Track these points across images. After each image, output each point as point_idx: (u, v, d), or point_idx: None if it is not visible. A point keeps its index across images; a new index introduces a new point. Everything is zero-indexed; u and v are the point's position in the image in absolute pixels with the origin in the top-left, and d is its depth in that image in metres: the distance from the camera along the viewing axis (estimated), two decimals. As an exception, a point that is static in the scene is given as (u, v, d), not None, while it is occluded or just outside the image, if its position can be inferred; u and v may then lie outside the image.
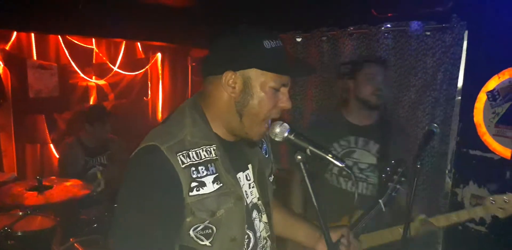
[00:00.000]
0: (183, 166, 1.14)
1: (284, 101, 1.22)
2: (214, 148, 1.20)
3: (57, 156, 4.11)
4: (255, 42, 1.17)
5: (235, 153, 1.27)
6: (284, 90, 1.22)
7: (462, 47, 2.86)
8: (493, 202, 1.91)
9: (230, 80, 1.18)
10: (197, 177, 1.16)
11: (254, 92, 1.18)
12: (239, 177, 1.28)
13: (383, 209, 1.71)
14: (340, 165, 1.17)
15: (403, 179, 1.80)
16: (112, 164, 3.60)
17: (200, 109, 1.24)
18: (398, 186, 1.82)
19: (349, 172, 1.23)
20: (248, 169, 1.33)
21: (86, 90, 4.79)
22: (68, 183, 2.93)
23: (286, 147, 3.57)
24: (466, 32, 2.83)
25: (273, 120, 1.24)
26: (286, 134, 1.20)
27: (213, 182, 1.18)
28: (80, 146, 3.50)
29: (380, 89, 2.25)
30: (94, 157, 3.56)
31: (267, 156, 1.46)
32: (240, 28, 1.22)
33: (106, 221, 2.93)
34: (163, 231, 1.13)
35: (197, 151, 1.18)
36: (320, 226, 1.24)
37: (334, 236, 1.42)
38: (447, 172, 3.00)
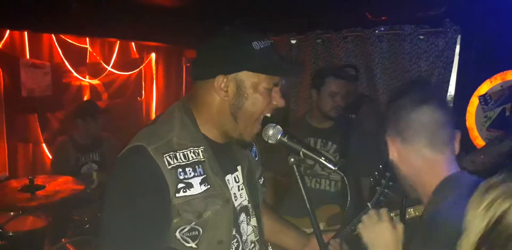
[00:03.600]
0: (170, 167, 1.13)
1: (277, 100, 1.23)
2: (202, 149, 1.20)
3: (50, 156, 4.08)
4: (244, 45, 1.17)
5: (224, 155, 1.27)
6: (276, 89, 1.23)
7: (454, 51, 2.89)
8: None
9: (222, 84, 1.17)
10: (184, 178, 1.15)
11: (248, 94, 1.18)
12: (228, 179, 1.27)
13: (370, 208, 1.73)
14: (333, 167, 1.19)
15: (391, 183, 1.82)
16: (105, 162, 3.59)
17: (190, 111, 1.24)
18: (386, 190, 1.83)
19: (342, 174, 1.23)
20: (237, 170, 1.32)
21: (80, 89, 4.76)
22: (60, 179, 2.90)
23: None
24: (459, 36, 2.86)
25: (267, 122, 1.25)
26: (279, 136, 1.21)
27: (200, 184, 1.17)
28: (72, 143, 3.48)
29: (339, 107, 2.37)
30: (86, 153, 3.54)
31: (256, 159, 1.46)
32: (228, 31, 1.22)
33: (98, 221, 2.92)
34: (152, 232, 1.12)
35: (185, 153, 1.18)
36: (312, 226, 1.25)
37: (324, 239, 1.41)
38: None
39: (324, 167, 2.24)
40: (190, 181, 1.16)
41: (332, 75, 2.40)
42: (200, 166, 1.19)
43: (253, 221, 1.36)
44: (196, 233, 1.17)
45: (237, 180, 1.31)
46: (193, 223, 1.16)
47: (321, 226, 2.23)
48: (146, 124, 1.28)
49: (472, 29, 2.80)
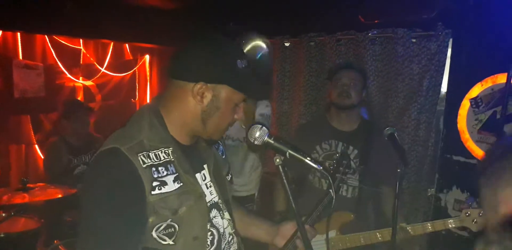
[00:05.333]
0: (144, 165, 1.17)
1: (239, 114, 1.33)
2: (171, 150, 1.25)
3: (42, 157, 4.07)
4: (230, 61, 1.23)
5: (190, 155, 1.32)
6: (241, 104, 1.32)
7: (446, 54, 2.92)
8: (468, 215, 1.91)
9: (200, 90, 1.22)
10: (158, 177, 1.20)
11: (220, 106, 1.26)
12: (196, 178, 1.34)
13: (333, 195, 1.74)
14: (317, 167, 1.24)
15: (347, 170, 2.01)
16: None
17: (159, 112, 1.28)
18: (344, 177, 2.01)
19: (327, 174, 1.28)
20: (204, 169, 1.37)
21: (73, 91, 4.75)
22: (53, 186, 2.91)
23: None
24: (451, 40, 2.89)
25: (249, 124, 1.36)
26: (265, 138, 1.24)
27: (173, 181, 1.22)
28: (64, 144, 3.47)
29: (345, 91, 2.36)
30: (78, 155, 3.53)
31: (224, 157, 1.53)
32: (218, 39, 1.28)
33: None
34: (128, 230, 1.15)
35: (156, 153, 1.22)
36: (297, 224, 1.30)
37: (291, 229, 1.54)
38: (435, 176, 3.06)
39: (342, 172, 2.27)
40: (164, 179, 1.21)
41: (336, 67, 2.54)
42: (171, 165, 1.23)
43: (227, 215, 1.42)
44: (172, 230, 1.21)
45: (204, 178, 1.36)
46: (169, 220, 1.20)
47: (333, 233, 2.20)
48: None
49: (463, 33, 2.83)
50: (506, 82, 2.50)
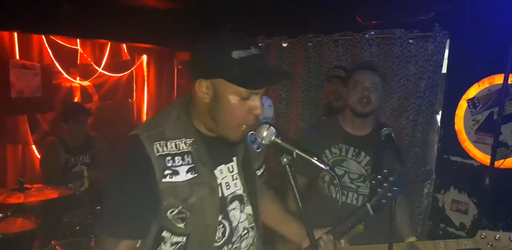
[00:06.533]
0: (158, 154, 1.24)
1: (255, 109, 1.25)
2: (192, 141, 1.29)
3: (39, 157, 4.05)
4: (223, 53, 1.18)
5: (217, 146, 1.33)
6: (255, 97, 1.25)
7: (443, 55, 2.93)
8: (483, 237, 1.81)
9: (203, 88, 1.24)
10: (172, 166, 1.26)
11: (223, 101, 1.23)
12: (221, 169, 1.36)
13: (371, 212, 1.71)
14: (324, 167, 1.20)
15: (394, 188, 1.74)
16: (95, 163, 3.57)
17: (188, 107, 1.33)
18: (389, 194, 1.75)
19: (333, 174, 1.24)
20: (232, 161, 1.40)
21: (70, 91, 4.73)
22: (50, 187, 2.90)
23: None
24: (448, 41, 2.90)
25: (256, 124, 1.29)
26: (273, 137, 1.24)
27: (187, 172, 1.27)
28: (61, 144, 3.46)
29: (366, 97, 2.13)
30: (76, 155, 3.52)
31: (259, 151, 1.50)
32: (216, 35, 1.26)
33: (89, 223, 2.90)
34: (142, 207, 1.25)
35: (177, 142, 1.28)
36: (304, 224, 1.28)
37: (316, 234, 1.46)
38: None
39: (353, 179, 2.19)
40: (177, 168, 1.26)
41: (358, 67, 2.27)
42: (189, 155, 1.28)
43: (248, 209, 1.43)
44: (184, 215, 1.29)
45: (231, 170, 1.39)
46: (180, 206, 1.27)
47: (341, 243, 2.15)
48: (136, 126, 1.34)
49: (460, 33, 2.84)
50: (503, 83, 2.51)
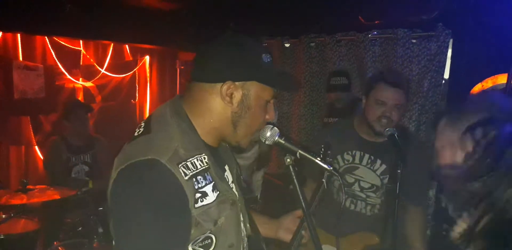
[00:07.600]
0: (186, 177, 1.09)
1: (270, 113, 1.25)
2: (205, 156, 1.18)
3: (42, 157, 4.06)
4: (256, 56, 1.18)
5: (217, 157, 1.27)
6: (271, 102, 1.25)
7: (446, 55, 2.92)
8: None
9: (229, 90, 1.16)
10: (199, 188, 1.12)
11: (251, 105, 1.19)
12: None
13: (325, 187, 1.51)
14: (327, 168, 1.21)
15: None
16: (96, 164, 3.58)
17: (186, 116, 1.20)
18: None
19: (336, 174, 1.24)
20: (226, 170, 1.32)
21: (73, 92, 4.74)
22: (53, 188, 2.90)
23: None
24: (451, 40, 2.89)
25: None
26: (276, 138, 1.24)
27: (212, 191, 1.16)
28: (64, 143, 3.48)
29: (387, 117, 1.94)
30: (78, 154, 3.53)
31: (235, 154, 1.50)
32: (239, 37, 1.22)
33: (91, 224, 2.90)
34: (178, 244, 1.09)
35: (192, 161, 1.14)
36: (308, 224, 1.28)
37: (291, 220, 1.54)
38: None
39: (363, 188, 2.14)
40: (204, 189, 1.14)
41: (382, 80, 2.00)
42: (208, 173, 1.16)
43: (241, 216, 1.37)
44: (209, 241, 1.16)
45: (228, 179, 1.31)
46: (209, 231, 1.14)
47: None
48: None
49: (464, 33, 2.83)
50: (507, 83, 2.50)
